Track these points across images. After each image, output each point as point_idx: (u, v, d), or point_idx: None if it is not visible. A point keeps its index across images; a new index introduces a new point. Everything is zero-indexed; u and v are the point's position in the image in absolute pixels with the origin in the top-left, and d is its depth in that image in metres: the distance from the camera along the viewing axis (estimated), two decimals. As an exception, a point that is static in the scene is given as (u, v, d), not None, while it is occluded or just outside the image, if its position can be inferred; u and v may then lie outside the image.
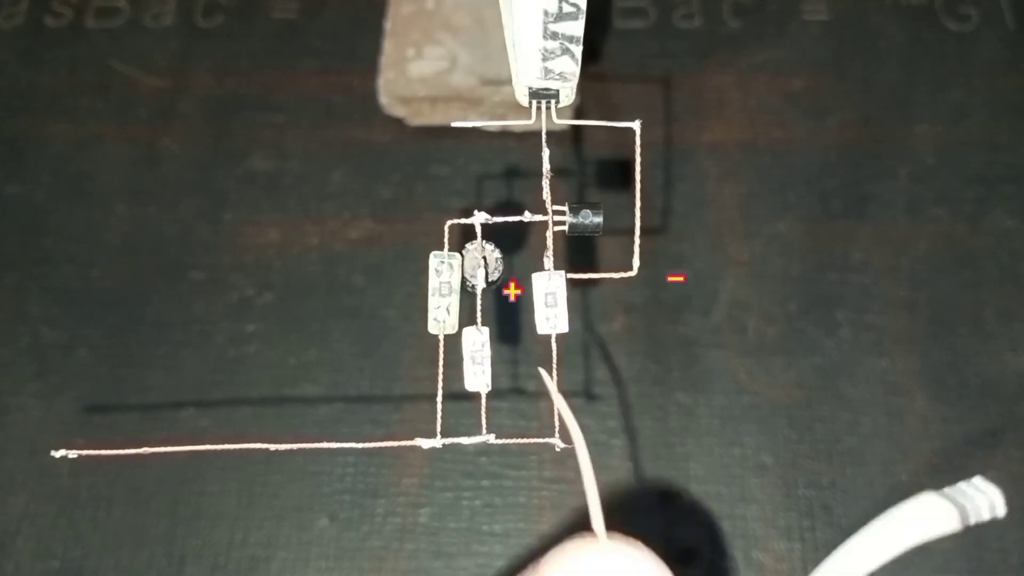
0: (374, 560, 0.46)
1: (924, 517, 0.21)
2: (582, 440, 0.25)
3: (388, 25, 0.56)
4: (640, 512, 0.46)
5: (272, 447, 0.25)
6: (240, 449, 0.25)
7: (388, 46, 0.56)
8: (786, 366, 0.49)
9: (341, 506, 0.47)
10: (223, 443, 0.25)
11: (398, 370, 0.50)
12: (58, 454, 0.25)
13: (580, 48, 0.23)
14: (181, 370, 0.50)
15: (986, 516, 0.22)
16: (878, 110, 0.57)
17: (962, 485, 0.22)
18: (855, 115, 0.56)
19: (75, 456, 0.25)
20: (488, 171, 0.54)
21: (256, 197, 0.55)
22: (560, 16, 0.22)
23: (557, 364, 0.26)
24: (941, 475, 0.46)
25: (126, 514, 0.47)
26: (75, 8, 0.61)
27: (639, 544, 0.24)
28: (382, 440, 0.27)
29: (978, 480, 0.22)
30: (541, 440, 0.26)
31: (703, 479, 0.47)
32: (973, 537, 0.45)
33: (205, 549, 0.46)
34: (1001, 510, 0.22)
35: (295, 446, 0.26)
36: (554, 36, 0.22)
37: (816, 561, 0.45)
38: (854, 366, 0.49)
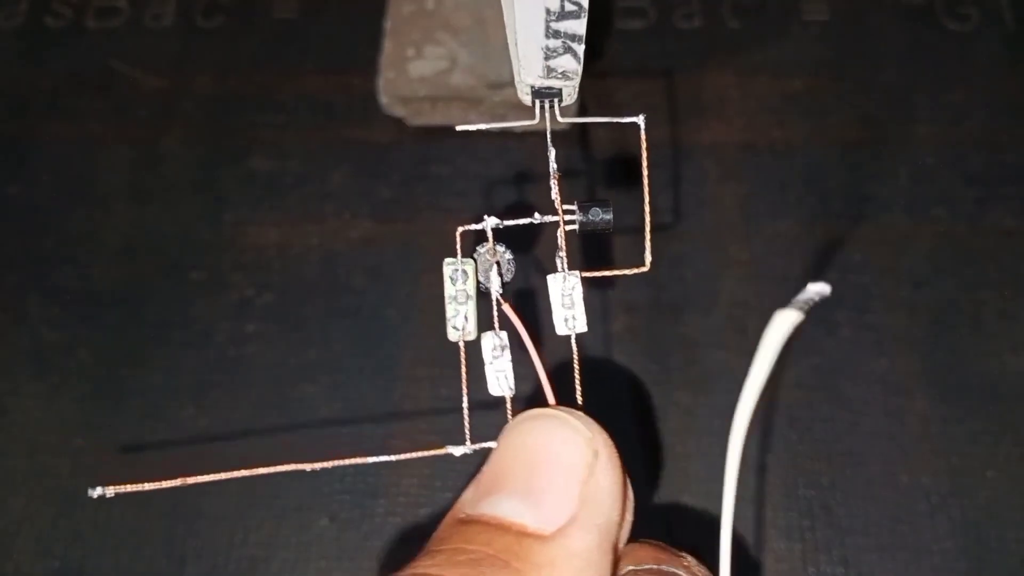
0: (374, 560, 0.46)
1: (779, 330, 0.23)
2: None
3: (388, 25, 0.56)
4: (640, 512, 0.46)
5: (308, 467, 0.25)
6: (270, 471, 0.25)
7: (388, 46, 0.56)
8: (786, 366, 0.49)
9: (341, 506, 0.47)
10: (262, 467, 0.25)
11: (398, 370, 0.50)
12: (95, 493, 0.25)
13: (582, 47, 0.23)
14: (181, 370, 0.50)
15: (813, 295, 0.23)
16: (878, 110, 0.57)
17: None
18: (855, 115, 0.56)
19: (112, 495, 0.24)
20: (489, 171, 0.54)
21: (256, 197, 0.55)
22: (562, 14, 0.22)
23: (579, 364, 0.26)
24: (941, 475, 0.46)
25: (126, 514, 0.47)
26: (75, 8, 0.61)
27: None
28: (390, 445, 0.26)
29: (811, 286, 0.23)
30: None
31: (703, 479, 0.47)
32: (973, 537, 0.45)
33: (205, 549, 0.46)
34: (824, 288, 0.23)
35: (331, 464, 0.25)
36: (556, 34, 0.22)
37: (816, 561, 0.45)
38: (854, 366, 0.49)
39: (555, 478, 0.22)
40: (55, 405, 0.49)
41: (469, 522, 0.22)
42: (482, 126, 0.24)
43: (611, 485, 0.23)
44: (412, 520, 0.47)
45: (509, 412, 0.25)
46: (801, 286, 0.55)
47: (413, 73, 0.55)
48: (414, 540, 0.46)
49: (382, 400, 0.49)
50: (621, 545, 0.24)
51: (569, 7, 0.21)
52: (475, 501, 0.23)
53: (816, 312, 0.53)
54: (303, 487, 0.47)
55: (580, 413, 0.24)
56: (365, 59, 0.57)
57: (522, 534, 0.21)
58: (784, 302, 0.53)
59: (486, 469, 0.23)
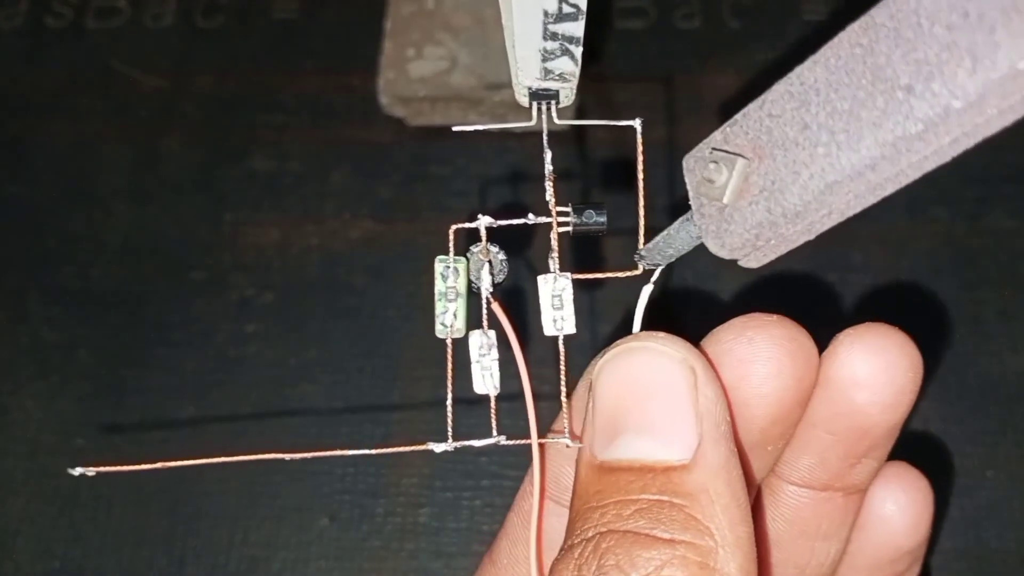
0: (374, 560, 0.46)
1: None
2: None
3: (388, 25, 0.56)
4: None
5: (288, 456, 0.25)
6: (240, 452, 0.25)
7: (388, 46, 0.56)
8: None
9: (341, 506, 0.47)
10: (236, 455, 0.25)
11: (398, 370, 0.50)
12: (76, 472, 0.25)
13: (580, 49, 0.23)
14: (181, 370, 0.50)
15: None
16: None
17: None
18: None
19: (93, 474, 0.25)
20: (489, 171, 0.54)
21: (256, 197, 0.55)
22: (560, 16, 0.22)
23: (565, 365, 0.26)
24: (941, 475, 0.46)
25: (126, 514, 0.47)
26: (75, 8, 0.61)
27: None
28: (388, 445, 0.27)
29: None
30: (551, 440, 0.26)
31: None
32: (973, 536, 0.45)
33: (205, 549, 0.46)
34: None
35: (309, 455, 0.25)
36: (554, 36, 0.22)
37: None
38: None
39: (670, 407, 0.23)
40: (55, 405, 0.49)
41: (612, 470, 0.23)
42: (478, 127, 0.24)
43: (716, 393, 0.24)
44: (412, 520, 0.47)
45: (493, 411, 0.25)
46: (801, 286, 0.55)
47: (413, 73, 0.55)
48: (414, 540, 0.46)
49: (382, 400, 0.49)
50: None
51: (567, 9, 0.21)
52: (603, 446, 0.24)
53: (815, 313, 0.53)
54: (303, 487, 0.47)
55: (664, 335, 0.25)
56: (365, 59, 0.57)
57: (668, 470, 0.23)
58: (783, 301, 0.54)
59: (596, 410, 0.24)
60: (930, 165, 0.19)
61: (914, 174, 0.19)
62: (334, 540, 0.46)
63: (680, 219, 0.24)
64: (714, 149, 0.22)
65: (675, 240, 0.24)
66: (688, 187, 0.23)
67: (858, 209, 0.20)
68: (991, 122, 0.18)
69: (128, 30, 0.60)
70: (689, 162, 0.23)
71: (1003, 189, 0.53)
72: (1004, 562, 0.45)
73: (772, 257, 0.23)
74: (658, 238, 0.25)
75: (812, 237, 0.21)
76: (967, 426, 0.48)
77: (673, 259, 0.25)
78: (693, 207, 0.23)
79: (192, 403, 0.49)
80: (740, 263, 0.23)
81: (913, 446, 0.47)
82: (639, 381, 0.24)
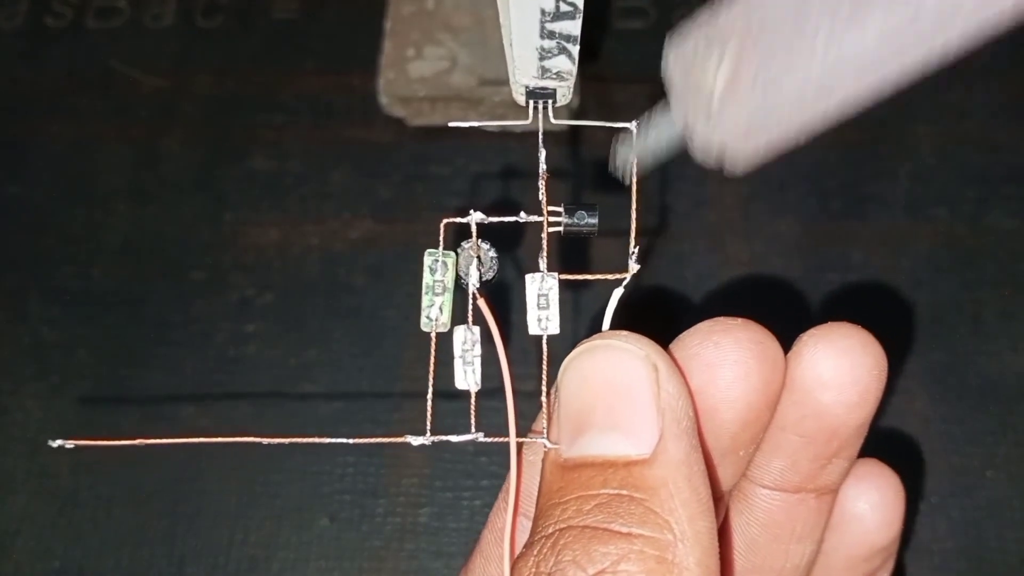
0: (374, 560, 0.46)
1: None
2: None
3: (388, 25, 0.56)
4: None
5: (265, 440, 0.25)
6: (236, 444, 0.25)
7: (388, 46, 0.56)
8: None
9: (341, 506, 0.47)
10: (216, 437, 0.26)
11: (398, 370, 0.50)
12: (55, 444, 0.25)
13: (577, 47, 0.23)
14: (181, 370, 0.50)
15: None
16: (878, 110, 0.56)
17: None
18: (855, 115, 0.56)
19: (72, 447, 0.25)
20: (488, 171, 0.54)
21: (256, 197, 0.55)
22: (557, 15, 0.22)
23: (547, 365, 0.26)
24: (941, 475, 0.46)
25: (126, 514, 0.47)
26: (75, 8, 0.61)
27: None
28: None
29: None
30: (529, 439, 0.26)
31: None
32: (973, 537, 0.45)
33: (205, 549, 0.46)
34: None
35: (287, 440, 0.26)
36: (551, 35, 0.22)
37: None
38: (854, 366, 0.49)
39: (632, 402, 0.23)
40: (55, 405, 0.49)
41: (575, 467, 0.23)
42: (475, 123, 0.24)
43: (678, 389, 0.24)
44: (412, 520, 0.47)
45: (472, 407, 0.25)
46: (801, 286, 0.55)
47: (413, 73, 0.55)
48: (414, 540, 0.46)
49: (382, 400, 0.49)
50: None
51: (564, 8, 0.21)
52: (568, 444, 0.24)
53: (814, 314, 0.53)
54: (303, 487, 0.47)
55: (627, 333, 0.24)
56: (365, 59, 0.57)
57: (629, 464, 0.23)
58: (783, 301, 0.53)
59: (562, 408, 0.25)
60: (935, 57, 0.18)
61: (920, 65, 0.19)
62: (334, 540, 0.46)
63: (658, 112, 0.23)
64: (702, 32, 0.21)
65: (654, 140, 0.23)
66: (669, 80, 0.22)
67: (853, 106, 0.19)
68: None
69: (128, 30, 0.60)
70: (672, 51, 0.22)
71: (1003, 189, 0.53)
72: (1004, 562, 0.45)
73: (758, 158, 0.22)
74: (635, 140, 0.24)
75: (802, 138, 0.20)
76: (967, 426, 0.47)
77: (649, 163, 0.24)
78: (677, 100, 0.22)
79: (192, 403, 0.49)
80: (726, 167, 0.22)
81: (913, 446, 0.47)
82: (602, 378, 0.24)
